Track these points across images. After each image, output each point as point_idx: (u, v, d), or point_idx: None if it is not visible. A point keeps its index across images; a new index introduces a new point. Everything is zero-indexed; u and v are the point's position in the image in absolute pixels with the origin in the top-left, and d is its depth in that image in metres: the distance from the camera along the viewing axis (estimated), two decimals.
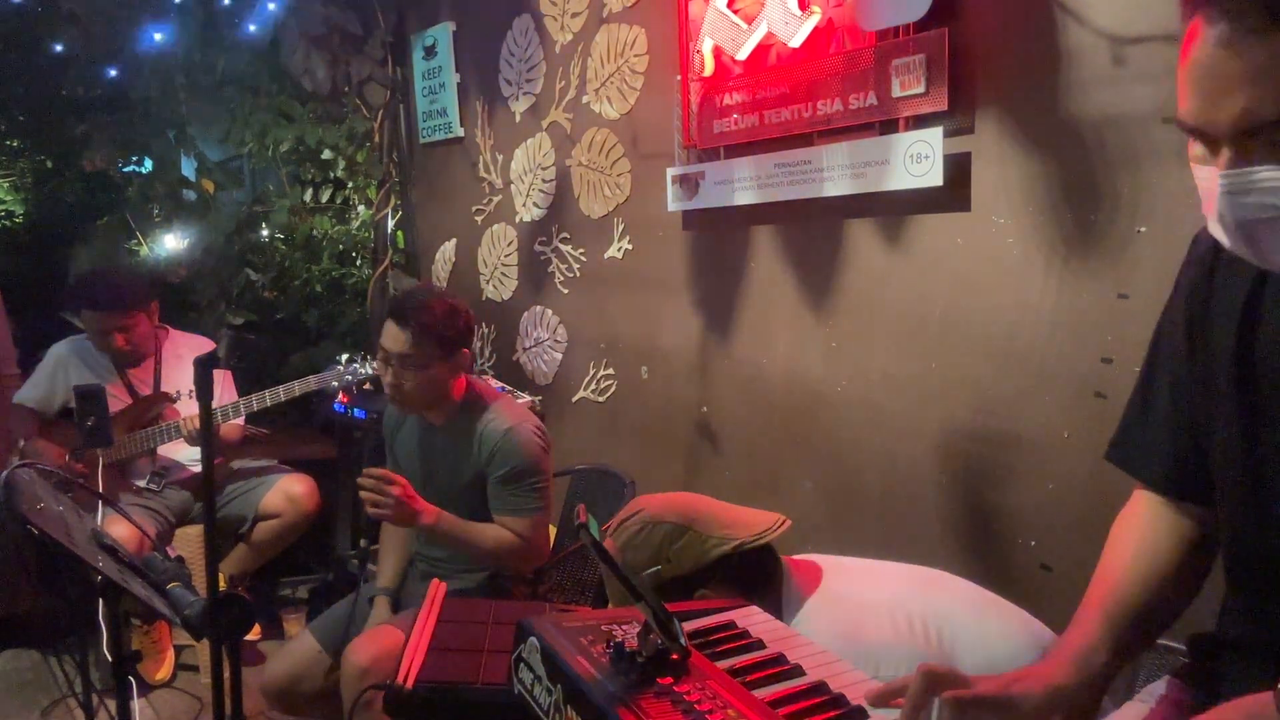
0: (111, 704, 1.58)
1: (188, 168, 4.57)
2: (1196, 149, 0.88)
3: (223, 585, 1.44)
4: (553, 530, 2.69)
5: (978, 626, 1.36)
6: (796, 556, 1.55)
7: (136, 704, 2.79)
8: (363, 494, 2.00)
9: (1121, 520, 1.14)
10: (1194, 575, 1.09)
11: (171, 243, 4.36)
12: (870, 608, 1.39)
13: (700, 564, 1.44)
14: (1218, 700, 0.91)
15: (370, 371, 2.83)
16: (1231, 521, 1.02)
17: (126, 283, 3.09)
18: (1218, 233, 0.88)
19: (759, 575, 1.47)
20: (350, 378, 2.85)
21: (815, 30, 2.21)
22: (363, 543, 2.65)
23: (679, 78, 2.59)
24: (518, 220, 3.45)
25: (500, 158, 3.50)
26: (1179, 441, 1.07)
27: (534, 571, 2.29)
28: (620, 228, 2.97)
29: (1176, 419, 1.07)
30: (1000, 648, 1.32)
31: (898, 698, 0.92)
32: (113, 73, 4.16)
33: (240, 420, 3.11)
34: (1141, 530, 1.10)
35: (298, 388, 2.88)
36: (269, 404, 2.92)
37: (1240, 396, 0.98)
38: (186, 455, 3.16)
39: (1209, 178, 0.86)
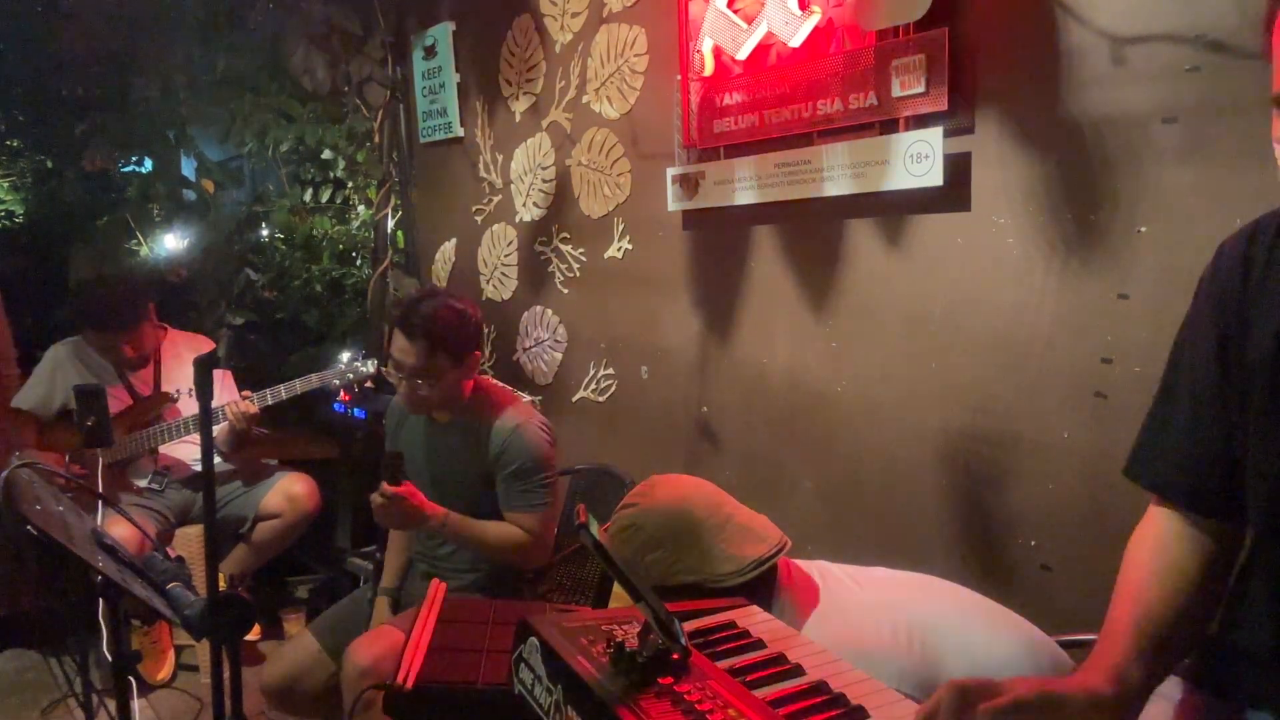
0: (111, 704, 1.58)
1: (188, 168, 4.57)
2: None
3: (223, 585, 1.44)
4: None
5: (963, 634, 1.34)
6: (793, 565, 1.52)
7: (136, 704, 2.79)
8: (376, 508, 2.06)
9: (1140, 537, 1.11)
10: (1215, 592, 1.07)
11: (171, 243, 4.36)
12: (859, 613, 1.38)
13: (663, 584, 1.41)
14: (1229, 704, 0.89)
15: (371, 370, 2.84)
16: (1266, 536, 1.00)
17: (124, 298, 3.04)
18: None
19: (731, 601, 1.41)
20: (352, 376, 2.84)
21: (815, 30, 2.21)
22: (377, 554, 2.67)
23: (679, 77, 2.59)
24: (518, 220, 3.45)
25: (500, 158, 3.50)
26: (1201, 457, 1.05)
27: (533, 571, 2.29)
28: (620, 227, 2.97)
29: (1199, 434, 1.05)
30: (986, 656, 1.30)
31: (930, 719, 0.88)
32: (113, 73, 4.16)
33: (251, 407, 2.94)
34: (1164, 547, 1.08)
35: (299, 385, 2.88)
36: (269, 402, 2.92)
37: (1277, 409, 0.95)
38: (189, 454, 3.16)
39: None
